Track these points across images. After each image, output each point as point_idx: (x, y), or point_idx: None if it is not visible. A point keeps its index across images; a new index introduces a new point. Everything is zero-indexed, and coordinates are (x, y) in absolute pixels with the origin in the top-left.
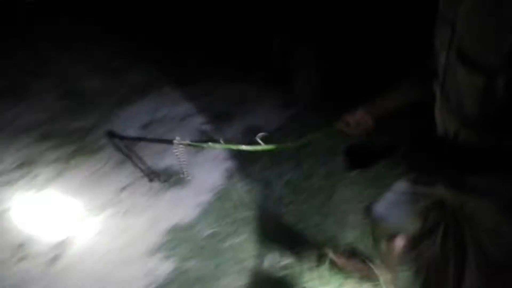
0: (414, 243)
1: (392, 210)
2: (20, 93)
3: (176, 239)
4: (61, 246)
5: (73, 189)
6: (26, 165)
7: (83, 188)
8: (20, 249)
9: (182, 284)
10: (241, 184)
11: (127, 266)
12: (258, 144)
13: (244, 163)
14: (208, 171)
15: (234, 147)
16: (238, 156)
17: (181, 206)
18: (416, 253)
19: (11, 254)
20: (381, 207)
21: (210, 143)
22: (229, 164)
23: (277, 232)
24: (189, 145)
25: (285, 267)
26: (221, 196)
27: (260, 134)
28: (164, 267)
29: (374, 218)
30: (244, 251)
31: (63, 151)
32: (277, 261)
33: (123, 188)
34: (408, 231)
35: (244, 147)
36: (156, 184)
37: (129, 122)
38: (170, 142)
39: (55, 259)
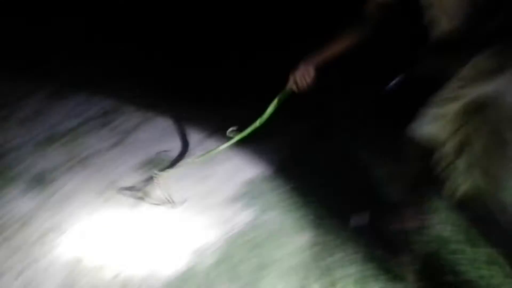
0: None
1: (424, 122)
2: None
3: (256, 190)
4: (143, 190)
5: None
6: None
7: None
8: (106, 191)
9: (259, 235)
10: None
11: (205, 214)
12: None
13: None
14: (291, 127)
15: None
16: None
17: (261, 160)
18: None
19: (99, 195)
20: (414, 124)
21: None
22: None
23: (361, 191)
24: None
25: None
26: None
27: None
28: (242, 217)
29: (410, 136)
30: (324, 208)
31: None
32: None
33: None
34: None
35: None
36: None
37: None
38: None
39: (137, 204)
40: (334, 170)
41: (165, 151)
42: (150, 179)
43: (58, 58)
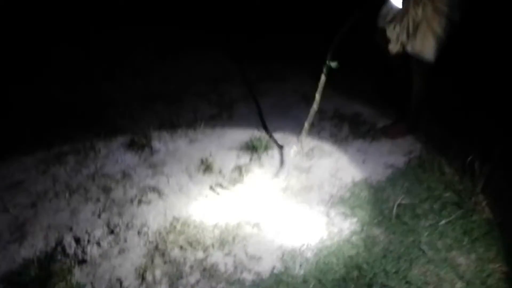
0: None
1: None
2: None
3: (362, 197)
4: (239, 170)
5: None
6: None
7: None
8: (203, 163)
9: (370, 252)
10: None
11: (305, 207)
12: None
13: None
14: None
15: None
16: None
17: (369, 162)
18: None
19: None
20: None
21: None
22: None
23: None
24: None
25: None
26: (417, 164)
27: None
28: (346, 224)
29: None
30: (447, 239)
31: None
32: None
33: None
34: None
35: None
36: (345, 129)
37: None
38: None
39: (236, 180)
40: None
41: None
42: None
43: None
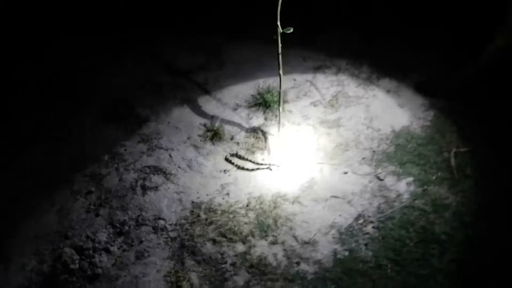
0: None
1: None
2: None
3: (410, 149)
4: (255, 134)
5: None
6: None
7: None
8: (208, 129)
9: (442, 218)
10: None
11: (346, 170)
12: None
13: None
14: None
15: None
16: None
17: (405, 105)
18: None
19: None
20: None
21: None
22: None
23: None
24: None
25: None
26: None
27: None
28: (403, 186)
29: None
30: None
31: None
32: None
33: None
34: None
35: None
36: (366, 66)
37: None
38: None
39: (254, 146)
40: None
41: None
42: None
43: None
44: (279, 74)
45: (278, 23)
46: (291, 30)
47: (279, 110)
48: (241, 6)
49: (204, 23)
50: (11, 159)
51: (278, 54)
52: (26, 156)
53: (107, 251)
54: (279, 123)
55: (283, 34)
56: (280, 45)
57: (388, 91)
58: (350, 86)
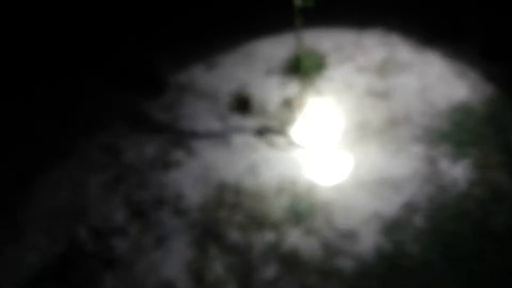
0: None
1: None
2: None
3: (468, 127)
4: (290, 105)
5: None
6: None
7: None
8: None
9: (501, 209)
10: None
11: (395, 150)
12: None
13: None
14: None
15: None
16: None
17: (464, 74)
18: None
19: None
20: None
21: None
22: None
23: None
24: None
25: None
26: None
27: None
28: (459, 170)
29: None
30: None
31: None
32: None
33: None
34: None
35: None
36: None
37: None
38: None
39: (288, 120)
40: None
41: None
42: None
43: None
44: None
45: None
46: (312, 4)
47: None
48: None
49: None
50: (29, 124)
51: (297, 32)
52: (43, 122)
53: (124, 233)
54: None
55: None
56: (298, 21)
57: (444, 57)
58: (401, 49)
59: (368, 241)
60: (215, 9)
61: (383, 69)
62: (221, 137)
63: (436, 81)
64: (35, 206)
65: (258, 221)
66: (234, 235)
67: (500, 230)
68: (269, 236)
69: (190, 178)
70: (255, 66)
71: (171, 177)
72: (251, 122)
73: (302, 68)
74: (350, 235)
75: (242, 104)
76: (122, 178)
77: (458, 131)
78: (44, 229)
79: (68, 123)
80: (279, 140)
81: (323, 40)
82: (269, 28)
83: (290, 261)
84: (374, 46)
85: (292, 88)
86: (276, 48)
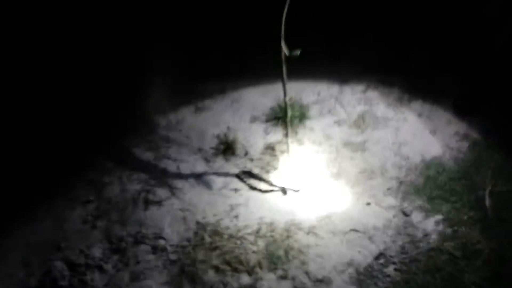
0: None
1: None
2: None
3: (440, 183)
4: (272, 151)
5: None
6: None
7: None
8: (221, 141)
9: (473, 267)
10: None
11: (369, 201)
12: None
13: None
14: None
15: None
16: None
17: (438, 132)
18: None
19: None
20: None
21: None
22: None
23: None
24: None
25: None
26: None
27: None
28: (431, 225)
29: None
30: None
31: None
32: None
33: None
34: None
35: None
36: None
37: None
38: None
39: (269, 165)
40: None
41: None
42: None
43: None
44: (285, 102)
45: (283, 44)
46: (298, 54)
47: (287, 137)
48: None
49: None
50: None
51: (283, 80)
52: (26, 154)
53: (101, 269)
54: (287, 148)
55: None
56: (285, 69)
57: (420, 115)
58: (378, 106)
59: None
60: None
61: (361, 123)
62: (204, 178)
63: (411, 137)
64: (14, 238)
65: (234, 265)
66: (210, 277)
67: (471, 287)
68: (244, 280)
69: (170, 217)
70: (241, 113)
71: (152, 216)
72: (234, 165)
73: (285, 117)
74: (324, 282)
75: (226, 148)
76: (103, 214)
77: (430, 186)
78: (21, 261)
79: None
80: (260, 184)
81: (306, 92)
82: (256, 78)
83: None
84: (354, 101)
85: (275, 135)
86: (261, 96)
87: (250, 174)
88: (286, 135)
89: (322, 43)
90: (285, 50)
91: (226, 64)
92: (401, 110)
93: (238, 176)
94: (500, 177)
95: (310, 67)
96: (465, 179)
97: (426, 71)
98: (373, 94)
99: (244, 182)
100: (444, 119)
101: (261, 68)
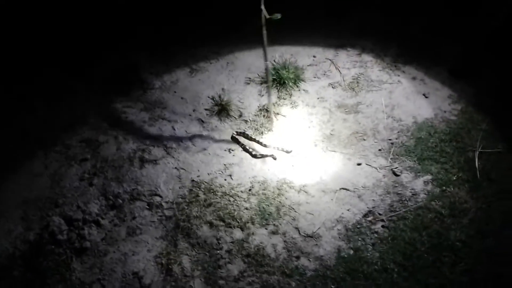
0: None
1: None
2: None
3: (431, 144)
4: (266, 113)
5: None
6: None
7: None
8: (215, 102)
9: (460, 225)
10: None
11: (360, 161)
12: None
13: None
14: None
15: None
16: None
17: (431, 95)
18: None
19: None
20: None
21: None
22: None
23: None
24: None
25: None
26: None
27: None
28: (419, 184)
29: None
30: None
31: None
32: None
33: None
34: None
35: None
36: (393, 48)
37: None
38: None
39: (264, 127)
40: None
41: None
42: None
43: None
44: (266, 65)
45: (262, 6)
46: (279, 17)
47: (270, 109)
48: None
49: None
50: (13, 115)
51: (263, 42)
52: (27, 112)
53: (98, 224)
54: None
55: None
56: (265, 32)
57: (413, 78)
58: (373, 69)
59: (330, 245)
60: (205, 18)
61: (355, 85)
62: (198, 138)
63: (404, 99)
64: (12, 194)
65: (227, 220)
66: (204, 232)
67: (457, 244)
68: (237, 235)
69: (165, 175)
70: (236, 74)
71: (147, 174)
72: (228, 126)
73: (280, 79)
74: (313, 237)
75: (221, 109)
76: (99, 171)
77: (421, 148)
78: (20, 216)
79: (53, 120)
80: (253, 145)
81: (302, 56)
82: (251, 41)
83: (255, 260)
84: (349, 64)
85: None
86: (256, 59)
87: (244, 135)
88: (269, 100)
89: (322, 8)
90: (264, 13)
91: (223, 30)
92: (396, 73)
93: (232, 137)
94: (491, 139)
95: (307, 30)
96: (456, 141)
97: (423, 36)
98: (368, 57)
99: (239, 143)
100: (438, 82)
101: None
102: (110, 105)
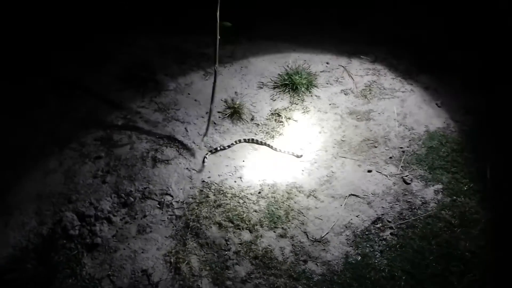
0: None
1: None
2: None
3: (443, 154)
4: (278, 117)
5: None
6: None
7: None
8: (228, 105)
9: (469, 234)
10: None
11: (371, 168)
12: None
13: None
14: None
15: None
16: None
17: (444, 104)
18: None
19: None
20: None
21: None
22: None
23: None
24: None
25: None
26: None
27: None
28: (430, 193)
29: None
30: None
31: None
32: None
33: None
34: None
35: None
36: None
37: None
38: None
39: (275, 131)
40: None
41: None
42: None
43: None
44: (214, 70)
45: (218, 13)
46: (229, 25)
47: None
48: None
49: None
50: (28, 109)
51: (215, 47)
52: (42, 109)
53: (109, 221)
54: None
55: None
56: (218, 37)
57: (426, 87)
58: (386, 77)
59: (338, 250)
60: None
61: (368, 93)
62: (210, 140)
63: (417, 108)
64: (27, 189)
65: (236, 222)
66: (213, 232)
67: (467, 255)
68: (245, 236)
69: (177, 175)
70: (249, 78)
71: (159, 173)
72: (240, 129)
73: (292, 85)
74: (321, 242)
75: (233, 112)
76: (112, 169)
77: (433, 157)
78: (33, 211)
79: (69, 116)
80: (265, 148)
81: (315, 62)
82: (265, 46)
83: (263, 262)
84: (362, 72)
85: (281, 102)
86: (270, 64)
87: (255, 141)
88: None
89: (334, 16)
90: (218, 20)
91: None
92: (409, 82)
93: (244, 139)
94: (503, 150)
95: (320, 37)
96: (468, 151)
97: (437, 45)
98: (381, 66)
99: (251, 145)
100: (451, 92)
101: (272, 35)
102: (125, 105)
